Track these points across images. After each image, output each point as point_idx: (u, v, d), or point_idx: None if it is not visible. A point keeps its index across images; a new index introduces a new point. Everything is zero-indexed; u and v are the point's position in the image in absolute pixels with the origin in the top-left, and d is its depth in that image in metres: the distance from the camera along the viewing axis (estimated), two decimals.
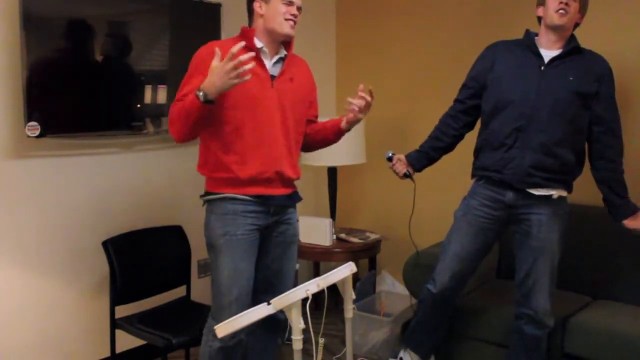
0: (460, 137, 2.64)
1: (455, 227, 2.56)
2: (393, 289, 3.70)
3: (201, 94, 2.02)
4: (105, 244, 2.66)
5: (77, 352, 2.88)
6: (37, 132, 2.54)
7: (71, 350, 2.85)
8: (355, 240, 3.49)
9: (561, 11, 2.30)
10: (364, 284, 3.47)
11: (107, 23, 2.77)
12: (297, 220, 2.45)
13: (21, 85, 2.51)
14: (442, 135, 2.62)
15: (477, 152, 2.55)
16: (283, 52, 2.31)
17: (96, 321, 2.90)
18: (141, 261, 2.77)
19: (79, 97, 2.69)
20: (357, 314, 3.11)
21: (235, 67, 1.95)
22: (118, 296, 2.65)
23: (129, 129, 2.90)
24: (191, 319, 2.69)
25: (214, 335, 2.23)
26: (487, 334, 2.74)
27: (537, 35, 2.46)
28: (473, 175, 2.58)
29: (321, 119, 3.60)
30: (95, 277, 2.90)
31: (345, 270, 1.95)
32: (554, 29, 2.36)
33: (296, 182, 2.43)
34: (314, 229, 3.41)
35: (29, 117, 2.52)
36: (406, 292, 3.31)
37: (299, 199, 2.43)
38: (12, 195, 2.62)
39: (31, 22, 2.49)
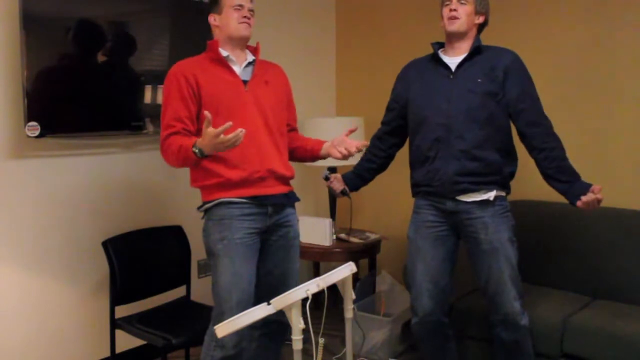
0: (390, 158, 2.68)
1: (412, 248, 2.52)
2: (393, 289, 3.70)
3: (197, 151, 2.09)
4: (105, 244, 2.66)
5: (77, 352, 2.88)
6: (37, 132, 2.54)
7: (71, 350, 2.86)
8: (355, 240, 3.49)
9: (451, 18, 2.35)
10: (364, 284, 3.47)
11: (107, 23, 2.77)
12: (298, 221, 2.45)
13: (21, 85, 2.51)
14: (373, 157, 2.67)
15: (410, 169, 2.56)
16: (251, 57, 2.35)
17: (96, 321, 2.90)
18: (141, 261, 2.77)
19: (78, 97, 2.69)
20: (357, 314, 3.11)
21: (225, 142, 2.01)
22: (118, 296, 2.65)
23: (129, 129, 2.90)
24: (191, 319, 2.69)
25: (216, 345, 2.22)
26: (487, 333, 2.73)
27: (442, 47, 2.50)
28: (412, 194, 2.57)
29: (319, 120, 3.61)
30: (95, 277, 2.90)
31: (345, 270, 1.95)
32: (451, 35, 2.40)
33: (296, 182, 2.43)
34: (314, 229, 3.41)
35: (29, 117, 2.52)
36: (406, 292, 3.31)
37: (297, 199, 2.42)
38: (12, 195, 2.62)
39: (31, 23, 2.49)
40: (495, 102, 2.34)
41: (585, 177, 2.34)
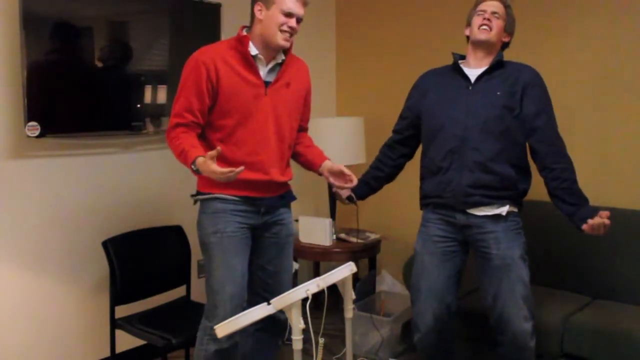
0: (399, 167, 2.64)
1: (418, 262, 2.48)
2: (393, 289, 3.70)
3: (195, 169, 2.06)
4: (105, 244, 2.66)
5: (77, 352, 2.88)
6: (37, 132, 2.54)
7: (71, 350, 2.85)
8: (355, 240, 3.49)
9: (484, 27, 2.34)
10: (364, 284, 3.47)
11: (107, 23, 2.77)
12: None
13: (21, 85, 2.51)
14: (382, 165, 2.63)
15: (420, 180, 2.53)
16: (280, 58, 2.26)
17: (96, 321, 2.90)
18: (141, 261, 2.77)
19: (79, 97, 2.69)
20: (357, 314, 3.11)
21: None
22: (118, 296, 2.65)
23: (129, 129, 2.90)
24: (191, 319, 2.69)
25: (210, 338, 2.23)
26: (489, 335, 2.73)
27: (462, 58, 2.48)
28: (421, 206, 2.54)
29: (319, 120, 3.61)
30: (95, 277, 2.90)
31: (345, 270, 1.96)
32: (479, 45, 2.38)
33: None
34: (314, 229, 3.41)
35: (29, 117, 2.52)
36: (406, 292, 3.31)
37: (293, 198, 2.41)
38: (12, 195, 2.62)
39: (31, 22, 2.49)
40: (513, 117, 2.32)
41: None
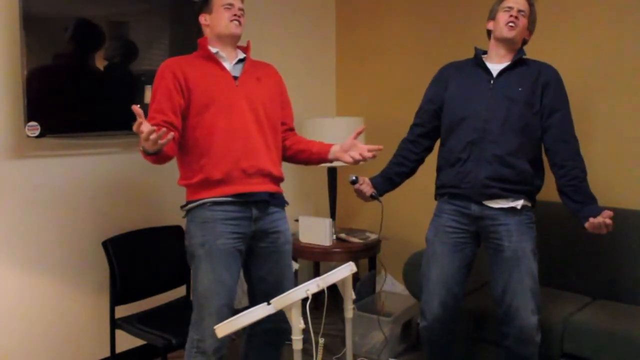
0: (421, 161, 2.64)
1: (430, 251, 2.50)
2: (393, 289, 3.70)
3: (142, 148, 2.05)
4: (105, 244, 2.66)
5: (77, 352, 2.88)
6: (37, 132, 2.54)
7: (71, 350, 2.86)
8: (355, 240, 3.49)
9: (510, 24, 2.35)
10: (364, 284, 3.47)
11: (107, 23, 2.77)
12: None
13: (21, 85, 2.51)
14: (404, 160, 2.61)
15: (437, 171, 2.54)
16: (242, 55, 2.35)
17: (96, 321, 2.91)
18: (141, 261, 2.77)
19: (78, 97, 2.69)
20: (357, 314, 3.11)
21: (148, 138, 1.98)
22: (118, 296, 2.65)
23: (129, 129, 2.87)
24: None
25: (197, 351, 2.20)
26: (492, 334, 2.74)
27: (484, 52, 2.50)
28: (436, 196, 2.56)
29: (319, 120, 3.61)
30: (95, 277, 2.90)
31: (345, 270, 1.95)
32: (503, 41, 2.40)
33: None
34: (314, 229, 3.41)
35: (29, 117, 2.52)
36: (406, 292, 3.31)
37: (284, 201, 2.38)
38: (12, 195, 2.62)
39: (31, 23, 2.50)
40: (532, 114, 2.35)
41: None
